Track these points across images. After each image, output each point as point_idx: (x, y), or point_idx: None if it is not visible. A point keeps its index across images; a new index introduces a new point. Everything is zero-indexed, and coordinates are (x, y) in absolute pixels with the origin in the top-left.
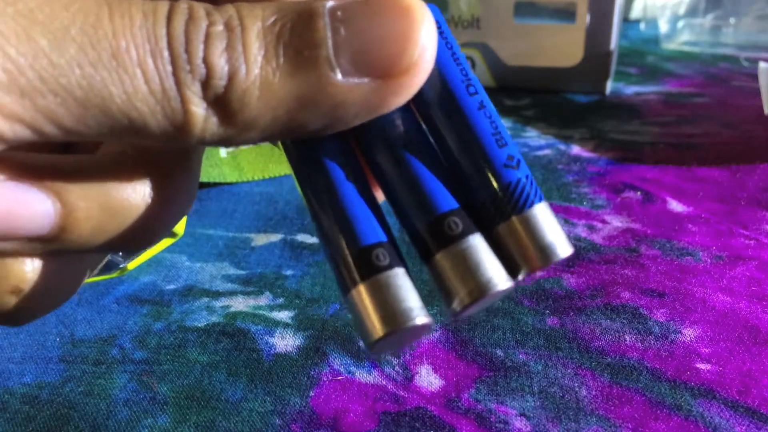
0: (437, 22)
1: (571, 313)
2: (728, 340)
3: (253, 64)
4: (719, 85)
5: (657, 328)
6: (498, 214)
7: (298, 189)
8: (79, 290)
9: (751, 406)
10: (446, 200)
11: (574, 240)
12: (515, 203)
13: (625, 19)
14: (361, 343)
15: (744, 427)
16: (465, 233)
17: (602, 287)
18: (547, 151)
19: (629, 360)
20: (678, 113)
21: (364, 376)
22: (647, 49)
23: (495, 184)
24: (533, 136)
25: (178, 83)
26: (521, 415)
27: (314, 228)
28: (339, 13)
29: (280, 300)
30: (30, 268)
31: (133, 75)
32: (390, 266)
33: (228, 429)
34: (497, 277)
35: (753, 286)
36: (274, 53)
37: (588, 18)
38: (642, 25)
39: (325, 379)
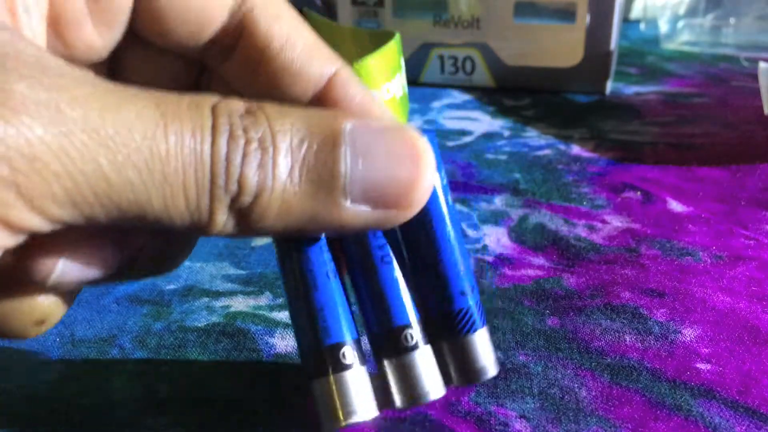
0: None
1: (571, 314)
2: (728, 340)
3: (278, 183)
4: (719, 85)
5: (657, 328)
6: (446, 332)
7: (280, 271)
8: None
9: (751, 406)
10: (406, 314)
11: (574, 240)
12: (463, 327)
13: (625, 19)
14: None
15: (744, 427)
16: (417, 346)
17: (602, 287)
18: (547, 151)
19: (629, 360)
20: (678, 113)
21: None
22: (647, 49)
23: (449, 308)
24: (533, 136)
25: (212, 198)
26: (521, 417)
27: (289, 311)
28: (357, 141)
29: (280, 300)
30: (53, 300)
31: (177, 191)
32: (352, 365)
33: (228, 429)
34: (435, 389)
35: (753, 286)
36: (298, 174)
37: (588, 18)
38: (642, 25)
39: None
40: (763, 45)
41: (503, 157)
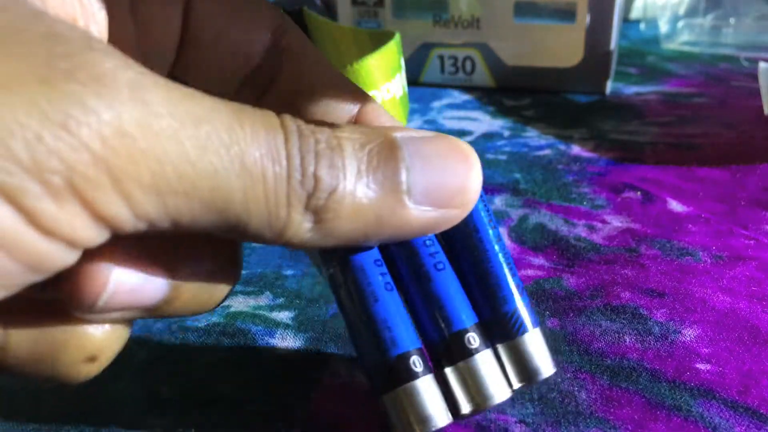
0: None
1: (571, 314)
2: (728, 340)
3: (349, 182)
4: (719, 85)
5: (657, 328)
6: (499, 334)
7: (334, 291)
8: None
9: (751, 406)
10: (465, 317)
11: (574, 240)
12: (514, 327)
13: (625, 19)
14: None
15: (744, 428)
16: (479, 348)
17: (602, 287)
18: (547, 151)
19: (629, 361)
20: (678, 113)
21: (365, 382)
22: (647, 49)
23: (501, 310)
24: (533, 136)
25: (290, 192)
26: (520, 422)
27: (349, 330)
28: (411, 147)
29: (281, 300)
30: (103, 336)
31: (257, 181)
32: (422, 373)
33: (228, 430)
34: (500, 391)
35: (753, 286)
36: (365, 174)
37: (588, 18)
38: (642, 25)
39: (326, 382)
40: (763, 45)
41: (503, 157)
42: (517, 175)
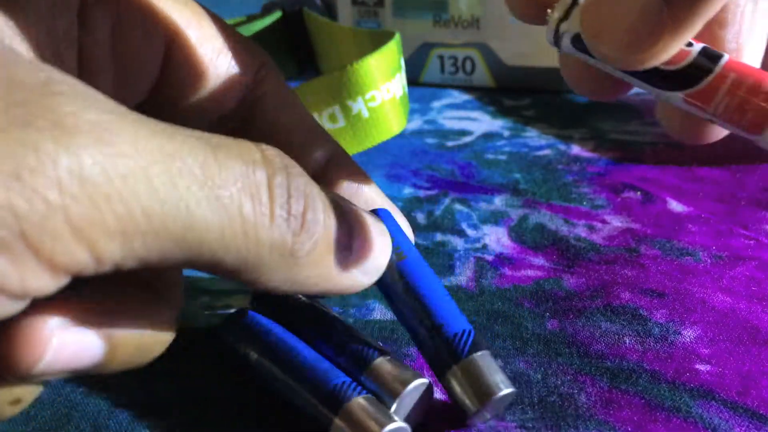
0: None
1: (571, 315)
2: (728, 340)
3: (322, 237)
4: None
5: (657, 329)
6: (450, 357)
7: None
8: None
9: (751, 407)
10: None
11: (574, 240)
12: (463, 348)
13: None
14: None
15: (743, 428)
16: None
17: (602, 288)
18: (547, 151)
19: (628, 363)
20: None
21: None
22: None
23: (447, 333)
24: (533, 136)
25: (272, 224)
26: (520, 427)
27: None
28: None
29: None
30: (31, 386)
31: (233, 218)
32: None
33: (228, 430)
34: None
35: (753, 286)
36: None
37: None
38: None
39: None
40: None
41: (503, 157)
42: (517, 175)
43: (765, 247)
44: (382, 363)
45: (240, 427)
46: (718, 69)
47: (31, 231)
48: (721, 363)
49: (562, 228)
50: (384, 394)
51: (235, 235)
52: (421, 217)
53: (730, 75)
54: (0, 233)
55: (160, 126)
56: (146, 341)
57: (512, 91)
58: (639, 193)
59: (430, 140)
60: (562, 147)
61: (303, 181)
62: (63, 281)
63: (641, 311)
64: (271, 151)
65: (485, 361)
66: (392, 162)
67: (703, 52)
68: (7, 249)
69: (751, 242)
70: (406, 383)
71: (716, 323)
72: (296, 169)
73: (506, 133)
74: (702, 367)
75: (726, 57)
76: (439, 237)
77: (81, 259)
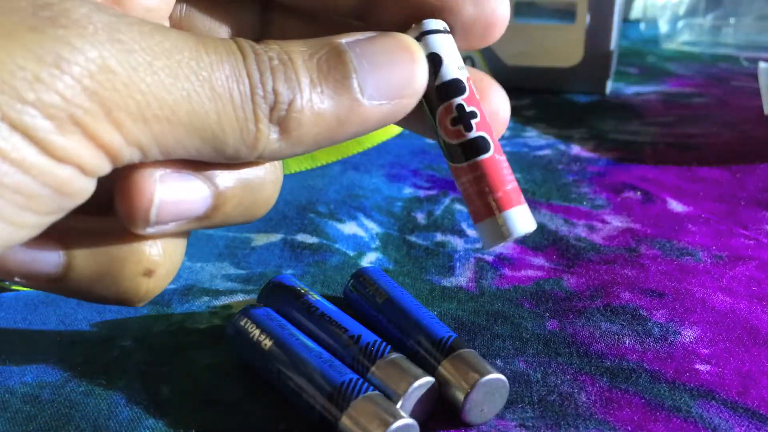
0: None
1: (571, 316)
2: (728, 340)
3: (305, 92)
4: (719, 85)
5: (656, 329)
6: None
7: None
8: None
9: (751, 406)
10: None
11: (574, 240)
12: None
13: (625, 19)
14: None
15: (743, 428)
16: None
17: (602, 288)
18: (547, 151)
19: (628, 363)
20: (678, 113)
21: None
22: (647, 49)
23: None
24: (533, 136)
25: (255, 108)
26: (520, 426)
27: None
28: (357, 49)
29: None
30: (158, 251)
31: (226, 102)
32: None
33: (229, 431)
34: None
35: (753, 286)
36: (318, 82)
37: (588, 18)
38: (642, 25)
39: None
40: (763, 45)
41: None
42: (517, 175)
43: (765, 247)
44: (390, 360)
45: (240, 428)
46: (469, 162)
47: (77, 112)
48: (721, 363)
49: (562, 228)
50: (391, 391)
51: (229, 117)
52: (421, 217)
53: (476, 172)
54: (58, 114)
55: (156, 25)
56: (254, 185)
57: (512, 91)
58: (639, 193)
59: (430, 140)
60: (562, 147)
61: (268, 58)
62: (107, 164)
63: (641, 311)
64: (240, 40)
65: (469, 356)
66: (392, 162)
67: (470, 143)
68: (64, 128)
69: (751, 242)
70: (413, 380)
71: (716, 323)
72: (261, 47)
73: (506, 133)
74: (702, 367)
75: (488, 154)
76: (439, 237)
77: (113, 139)
